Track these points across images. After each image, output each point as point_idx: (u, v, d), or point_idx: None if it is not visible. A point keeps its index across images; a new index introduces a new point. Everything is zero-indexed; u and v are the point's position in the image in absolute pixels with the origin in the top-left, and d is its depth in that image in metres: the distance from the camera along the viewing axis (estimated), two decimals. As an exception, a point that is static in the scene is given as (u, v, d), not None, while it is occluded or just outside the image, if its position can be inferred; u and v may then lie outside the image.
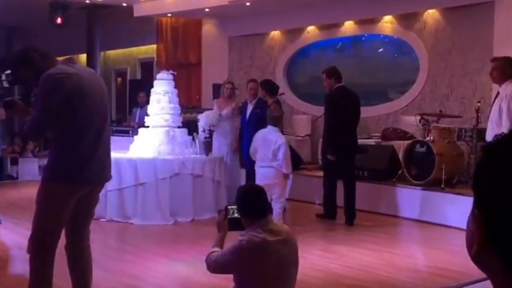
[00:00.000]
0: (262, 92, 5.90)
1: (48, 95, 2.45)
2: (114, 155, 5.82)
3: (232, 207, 2.31)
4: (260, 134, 4.87)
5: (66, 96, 2.45)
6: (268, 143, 4.77)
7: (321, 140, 5.93)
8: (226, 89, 6.25)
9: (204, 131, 5.72)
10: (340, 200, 5.31)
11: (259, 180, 4.64)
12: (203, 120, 5.91)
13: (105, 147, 2.64)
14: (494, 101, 4.57)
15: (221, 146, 6.20)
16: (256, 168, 4.87)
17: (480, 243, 0.58)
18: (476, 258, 0.59)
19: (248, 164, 6.03)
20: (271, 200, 4.67)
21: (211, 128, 6.10)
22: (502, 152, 0.58)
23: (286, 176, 4.78)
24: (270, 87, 6.06)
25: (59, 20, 9.85)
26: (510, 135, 0.59)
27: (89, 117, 2.53)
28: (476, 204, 0.59)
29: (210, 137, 5.91)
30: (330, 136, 5.17)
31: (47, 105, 2.44)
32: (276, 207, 4.62)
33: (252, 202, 2.19)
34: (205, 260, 2.22)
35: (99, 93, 2.60)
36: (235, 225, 2.25)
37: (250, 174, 5.96)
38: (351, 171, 5.29)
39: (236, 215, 2.26)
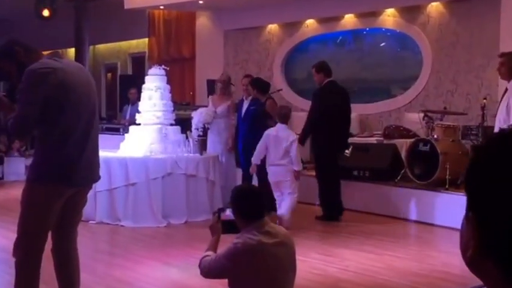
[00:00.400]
0: (253, 91, 5.89)
1: (31, 91, 2.43)
2: (103, 154, 5.79)
3: (226, 209, 2.32)
4: (272, 133, 4.98)
5: (51, 92, 2.43)
6: (280, 140, 4.91)
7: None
8: (216, 86, 6.25)
9: (197, 129, 5.70)
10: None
11: (271, 178, 4.94)
12: (196, 117, 5.90)
13: (93, 146, 2.62)
14: (502, 97, 4.57)
15: (215, 144, 6.19)
16: (267, 167, 5.00)
17: (475, 247, 0.57)
18: (471, 263, 0.58)
19: (244, 163, 6.03)
20: (283, 194, 4.96)
21: (206, 125, 6.09)
22: (493, 151, 0.58)
23: (297, 173, 4.94)
24: (261, 85, 6.05)
25: (45, 13, 9.81)
26: (501, 134, 0.59)
27: (76, 114, 2.51)
28: (469, 207, 0.59)
29: (204, 135, 5.89)
30: (311, 132, 5.33)
31: (31, 102, 2.42)
32: (291, 197, 4.91)
33: (248, 203, 2.18)
34: (199, 265, 2.21)
35: (87, 89, 2.58)
36: (229, 228, 2.25)
37: (247, 174, 5.96)
38: (335, 168, 5.44)
39: (230, 217, 2.26)
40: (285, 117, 5.02)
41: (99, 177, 2.72)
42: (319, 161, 5.44)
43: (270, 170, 5.01)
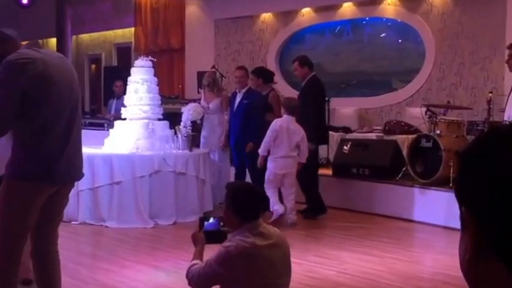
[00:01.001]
0: (257, 80, 5.85)
1: (9, 83, 2.39)
2: (87, 150, 5.73)
3: (210, 218, 2.31)
4: (284, 124, 5.11)
5: (30, 84, 2.39)
6: (293, 133, 5.09)
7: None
8: (203, 86, 6.25)
9: (185, 127, 5.67)
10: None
11: (278, 170, 5.08)
12: (185, 114, 5.86)
13: (75, 142, 2.60)
14: (511, 91, 4.57)
15: (209, 141, 6.17)
16: (274, 159, 5.11)
17: (473, 248, 0.56)
18: (470, 268, 0.57)
19: (236, 160, 6.00)
20: (284, 188, 5.19)
21: (198, 121, 6.06)
22: (479, 155, 0.58)
23: (301, 166, 5.19)
24: (266, 74, 6.04)
25: (24, 0, 9.69)
26: (484, 136, 0.60)
27: (57, 109, 2.48)
28: (461, 203, 0.58)
29: (194, 130, 5.86)
30: (315, 126, 5.49)
31: (8, 95, 2.38)
32: (293, 196, 5.17)
33: (246, 202, 2.16)
34: (186, 276, 2.19)
35: (69, 81, 2.55)
36: (212, 238, 2.25)
37: (239, 172, 5.93)
38: (317, 162, 5.81)
39: (214, 225, 2.26)
40: (294, 109, 5.14)
41: (82, 175, 2.71)
42: (313, 155, 5.49)
43: (278, 162, 5.11)
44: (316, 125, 5.48)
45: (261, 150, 5.13)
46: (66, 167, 2.53)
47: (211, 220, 2.32)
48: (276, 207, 5.11)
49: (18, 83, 2.38)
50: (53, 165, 2.48)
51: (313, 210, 5.58)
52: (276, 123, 5.10)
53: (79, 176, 2.67)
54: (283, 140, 5.06)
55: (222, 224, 2.31)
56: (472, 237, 0.57)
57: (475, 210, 0.57)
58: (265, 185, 5.18)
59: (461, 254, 0.59)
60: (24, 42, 2.63)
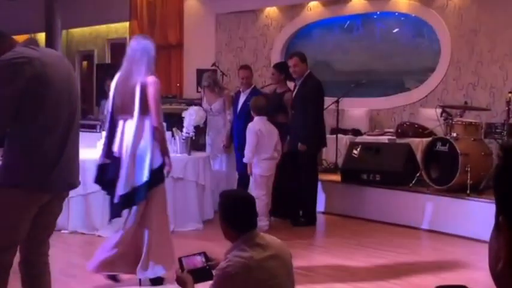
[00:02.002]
0: (279, 76, 5.87)
1: (5, 84, 2.39)
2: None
3: (190, 255, 2.27)
4: (262, 126, 5.28)
5: (27, 86, 2.39)
6: (271, 133, 5.31)
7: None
8: (204, 88, 6.28)
9: (188, 132, 5.68)
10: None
11: (265, 172, 5.30)
12: (187, 119, 5.86)
13: (73, 147, 2.60)
14: None
15: (215, 145, 6.19)
16: (257, 163, 5.30)
17: (507, 256, 0.57)
18: (501, 276, 0.58)
19: (240, 165, 6.01)
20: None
21: (200, 125, 6.07)
22: None
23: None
24: (289, 71, 6.04)
25: (12, -8, 9.73)
26: None
27: (55, 111, 2.48)
28: (499, 211, 0.58)
29: (197, 134, 5.89)
30: (317, 128, 5.61)
31: (5, 97, 2.38)
32: (262, 203, 5.13)
33: (239, 212, 2.17)
34: None
35: (68, 83, 2.55)
36: (200, 276, 2.23)
37: (243, 178, 5.94)
38: (316, 168, 5.89)
39: (198, 261, 2.25)
40: (263, 109, 5.34)
41: (78, 183, 2.71)
42: (303, 159, 5.54)
43: (264, 163, 5.29)
44: (318, 126, 5.55)
45: (248, 158, 5.29)
46: (63, 173, 2.53)
47: (191, 257, 2.29)
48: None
49: (15, 85, 2.38)
50: (49, 172, 2.48)
51: (306, 218, 5.61)
52: (254, 127, 5.27)
53: (76, 183, 2.68)
54: (265, 142, 5.26)
55: (204, 260, 2.29)
56: (507, 245, 0.57)
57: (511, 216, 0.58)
58: (257, 191, 5.25)
59: (492, 263, 0.59)
60: (16, 37, 2.64)
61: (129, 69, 3.65)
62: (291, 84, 5.98)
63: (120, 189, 3.60)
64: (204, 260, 2.30)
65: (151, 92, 3.59)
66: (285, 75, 5.87)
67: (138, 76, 3.60)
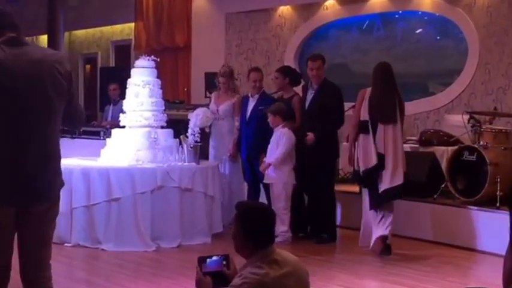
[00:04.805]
0: (283, 80, 5.91)
1: None
2: (81, 162, 5.81)
3: (210, 257, 2.29)
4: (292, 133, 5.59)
5: None
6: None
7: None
8: (217, 82, 6.28)
9: (193, 134, 5.73)
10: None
11: (293, 181, 5.57)
12: (193, 120, 5.92)
13: (38, 153, 2.55)
14: None
15: (218, 151, 6.22)
16: (287, 171, 5.52)
17: None
18: None
19: (249, 176, 6.04)
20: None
21: (206, 129, 6.11)
22: None
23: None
24: (294, 74, 6.08)
25: (12, -8, 9.89)
26: None
27: (13, 115, 2.48)
28: None
29: (202, 139, 5.92)
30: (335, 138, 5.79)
31: None
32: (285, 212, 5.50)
33: (258, 226, 2.19)
34: None
35: (30, 87, 2.53)
36: (218, 280, 2.24)
37: (253, 189, 5.96)
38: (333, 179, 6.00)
39: (216, 264, 2.26)
40: (289, 114, 5.61)
41: (51, 195, 2.61)
42: (323, 169, 5.59)
43: (292, 173, 5.54)
44: (336, 136, 5.64)
45: (278, 162, 5.44)
46: (22, 183, 2.49)
47: (213, 258, 2.31)
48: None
49: None
50: (4, 183, 2.46)
51: (328, 234, 5.64)
52: (291, 134, 5.49)
53: (46, 195, 2.59)
54: (292, 150, 5.51)
55: (224, 263, 2.31)
56: None
57: None
58: (283, 204, 5.30)
59: (504, 282, 0.62)
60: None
61: None
62: (297, 89, 6.02)
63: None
64: (224, 263, 2.31)
65: None
66: (289, 79, 5.89)
67: None
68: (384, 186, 5.03)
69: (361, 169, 5.11)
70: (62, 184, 2.70)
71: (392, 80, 5.16)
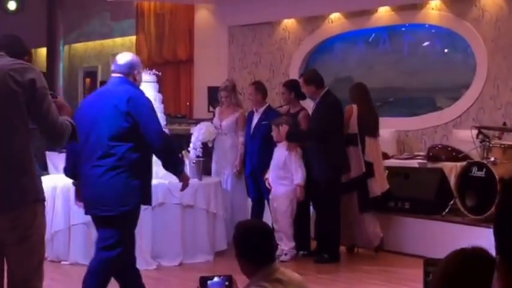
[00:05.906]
0: (289, 94, 5.93)
1: None
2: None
3: (212, 278, 2.29)
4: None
5: None
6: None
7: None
8: (220, 96, 6.32)
9: (195, 149, 5.74)
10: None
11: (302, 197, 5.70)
12: (196, 134, 5.94)
13: None
14: None
15: (220, 167, 6.23)
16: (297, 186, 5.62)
17: None
18: None
19: (253, 192, 6.04)
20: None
21: (209, 144, 6.12)
22: None
23: None
24: (300, 88, 6.11)
25: (11, 5, 10.01)
26: None
27: None
28: (497, 250, 0.60)
29: (205, 155, 5.94)
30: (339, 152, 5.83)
31: None
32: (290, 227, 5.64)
33: (256, 244, 2.20)
34: None
35: None
36: None
37: (257, 206, 5.96)
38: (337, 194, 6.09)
39: (218, 286, 2.26)
40: None
41: (9, 206, 2.64)
42: (331, 186, 5.56)
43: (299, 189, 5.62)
44: (336, 149, 5.63)
45: (304, 181, 5.54)
46: None
47: (215, 279, 2.30)
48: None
49: None
50: None
51: (329, 255, 5.57)
52: (298, 149, 5.57)
53: (6, 207, 2.62)
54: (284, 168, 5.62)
55: (227, 283, 2.30)
56: (502, 279, 0.58)
57: (507, 256, 0.59)
58: (290, 220, 5.32)
59: None
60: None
61: None
62: (305, 104, 6.04)
63: None
64: (227, 284, 2.31)
65: None
66: (295, 93, 5.91)
67: None
68: (375, 192, 5.72)
69: (352, 176, 5.70)
70: (29, 195, 2.67)
71: (370, 98, 6.04)
